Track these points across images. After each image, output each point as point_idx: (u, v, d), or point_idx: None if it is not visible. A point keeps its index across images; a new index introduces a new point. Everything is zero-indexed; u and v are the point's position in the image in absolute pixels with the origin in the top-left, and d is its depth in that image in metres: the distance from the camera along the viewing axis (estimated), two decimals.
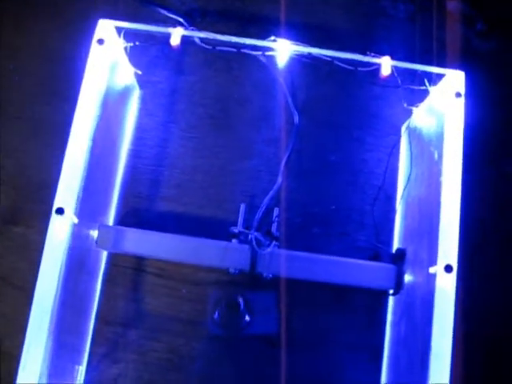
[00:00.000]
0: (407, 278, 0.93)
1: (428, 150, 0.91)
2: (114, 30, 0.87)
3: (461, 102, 0.84)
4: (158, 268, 1.03)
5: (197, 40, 0.88)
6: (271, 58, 0.92)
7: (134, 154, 1.08)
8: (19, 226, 1.04)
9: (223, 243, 0.94)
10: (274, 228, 0.97)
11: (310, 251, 0.96)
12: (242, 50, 0.89)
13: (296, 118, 1.07)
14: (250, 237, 0.93)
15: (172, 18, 1.12)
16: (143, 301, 1.01)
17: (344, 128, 1.11)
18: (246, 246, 0.94)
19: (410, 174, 1.00)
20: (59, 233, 0.77)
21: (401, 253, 0.96)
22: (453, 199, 0.80)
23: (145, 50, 1.10)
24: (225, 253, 0.94)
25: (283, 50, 0.88)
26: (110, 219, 1.04)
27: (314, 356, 1.01)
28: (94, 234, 0.94)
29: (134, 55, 0.97)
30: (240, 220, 0.98)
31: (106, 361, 0.98)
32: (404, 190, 1.02)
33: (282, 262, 0.94)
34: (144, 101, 1.11)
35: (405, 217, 1.02)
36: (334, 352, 1.01)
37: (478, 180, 1.07)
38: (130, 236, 0.95)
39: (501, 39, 1.19)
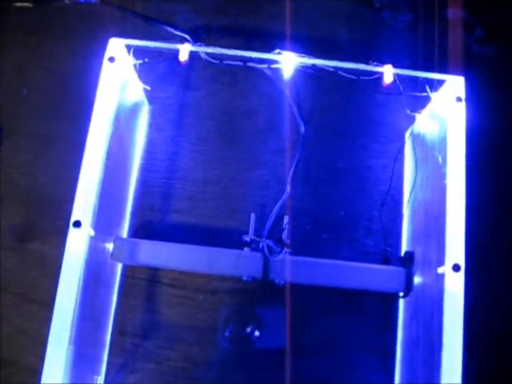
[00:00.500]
0: (416, 279, 0.95)
1: (432, 155, 0.93)
2: (124, 48, 0.90)
3: (462, 106, 0.87)
4: (172, 279, 1.05)
5: (204, 55, 0.91)
6: (276, 71, 0.94)
7: (146, 167, 1.11)
8: (34, 242, 1.07)
9: (236, 251, 0.96)
10: (284, 235, 0.99)
11: (320, 257, 0.98)
12: (248, 64, 0.91)
13: (302, 128, 1.09)
14: (261, 244, 0.95)
15: (178, 35, 1.15)
16: (158, 311, 1.03)
17: (349, 136, 1.13)
18: (258, 254, 0.96)
19: (415, 179, 1.02)
20: (77, 245, 0.79)
21: (409, 256, 0.98)
22: (458, 200, 0.82)
23: (153, 67, 1.13)
24: (237, 261, 0.96)
25: (288, 62, 0.90)
26: (124, 232, 1.06)
27: (326, 361, 1.02)
28: (110, 246, 0.96)
29: (142, 72, 1.00)
30: (251, 229, 1.00)
31: (123, 371, 1.00)
32: (410, 194, 1.04)
33: (294, 268, 0.96)
34: (153, 116, 1.14)
35: (412, 220, 1.04)
36: (346, 356, 1.02)
37: (481, 183, 1.09)
38: (144, 248, 0.97)
39: (500, 45, 1.21)
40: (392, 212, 1.08)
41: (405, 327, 1.01)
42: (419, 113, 1.01)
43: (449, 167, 0.84)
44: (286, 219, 1.01)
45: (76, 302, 0.78)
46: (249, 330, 1.01)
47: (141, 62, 0.94)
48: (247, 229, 1.01)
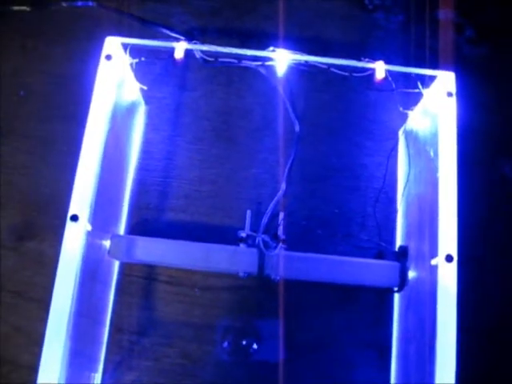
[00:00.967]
0: (411, 274, 0.96)
1: (424, 150, 0.95)
2: (121, 47, 0.91)
3: (453, 101, 0.88)
4: (168, 276, 1.06)
5: (199, 54, 0.93)
6: (271, 70, 0.96)
7: (142, 166, 1.12)
8: (32, 240, 1.08)
9: (232, 247, 0.97)
10: (279, 231, 1.00)
11: (315, 253, 0.99)
12: (243, 61, 0.93)
13: (297, 127, 1.10)
14: (257, 240, 0.96)
15: (174, 37, 1.17)
16: (155, 308, 1.04)
17: (343, 134, 1.15)
18: (254, 250, 0.97)
19: (408, 175, 1.04)
20: (74, 240, 0.80)
21: (403, 250, 0.99)
22: (450, 191, 0.83)
23: (149, 68, 1.15)
24: (233, 256, 0.96)
25: (282, 59, 0.92)
26: (121, 230, 1.07)
27: (322, 356, 1.03)
28: (107, 244, 0.97)
29: (139, 73, 1.02)
30: (247, 225, 1.01)
31: (120, 368, 1.01)
32: (404, 189, 1.06)
33: (289, 263, 0.96)
34: (150, 116, 1.15)
35: (406, 216, 1.05)
36: (342, 352, 1.03)
37: (473, 179, 1.10)
38: (141, 244, 0.98)
39: (491, 46, 1.24)
40: (386, 208, 1.10)
41: (400, 322, 1.02)
42: (412, 110, 1.03)
43: (440, 160, 0.85)
44: (281, 215, 1.02)
45: (73, 299, 0.78)
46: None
47: (137, 60, 0.96)
48: (243, 227, 1.01)
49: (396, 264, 0.97)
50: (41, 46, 1.21)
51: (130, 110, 1.08)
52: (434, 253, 0.83)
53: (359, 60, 0.92)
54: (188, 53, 0.93)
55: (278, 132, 1.14)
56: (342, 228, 1.09)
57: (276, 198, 1.05)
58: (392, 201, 1.10)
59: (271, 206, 1.03)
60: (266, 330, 1.03)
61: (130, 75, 1.01)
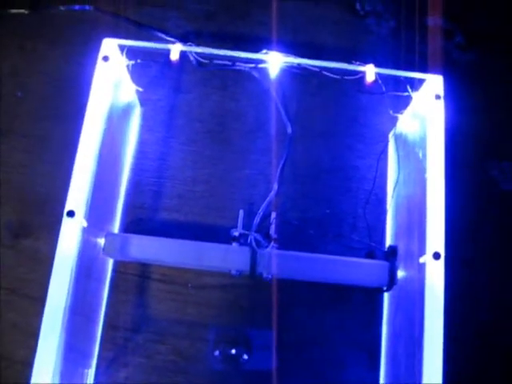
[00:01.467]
0: (400, 273, 0.98)
1: (413, 152, 0.97)
2: (117, 48, 0.94)
3: (441, 104, 0.90)
4: (161, 274, 1.07)
5: (194, 56, 0.95)
6: (264, 73, 0.99)
7: (137, 167, 1.14)
8: (28, 238, 1.09)
9: (224, 246, 0.99)
10: (271, 230, 1.01)
11: (306, 252, 1.00)
12: (237, 64, 0.95)
13: (289, 129, 1.12)
14: (249, 238, 0.98)
15: (169, 41, 1.19)
16: (149, 306, 1.06)
17: (335, 136, 1.17)
18: (246, 248, 0.98)
19: (398, 176, 1.06)
20: (70, 235, 0.82)
21: (393, 249, 1.01)
22: (437, 190, 0.85)
23: (145, 71, 1.17)
24: (226, 255, 0.98)
25: (274, 61, 0.94)
26: (115, 229, 1.08)
27: (313, 355, 1.05)
28: (101, 242, 0.98)
29: (135, 75, 1.05)
30: (239, 224, 1.02)
31: (114, 364, 1.02)
32: (393, 191, 1.08)
33: (281, 262, 0.98)
34: (145, 118, 1.17)
35: (395, 216, 1.07)
36: (333, 351, 1.05)
37: (462, 182, 1.12)
38: (135, 242, 0.99)
39: (479, 52, 1.27)
40: (376, 209, 1.12)
41: (389, 321, 1.04)
42: (401, 113, 1.06)
43: (428, 161, 0.87)
44: (273, 215, 1.04)
45: (68, 294, 0.80)
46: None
47: (133, 62, 0.98)
48: (235, 226, 1.03)
49: (385, 263, 0.99)
50: (39, 47, 1.23)
51: (126, 111, 1.09)
52: (422, 252, 0.85)
53: (350, 63, 0.95)
54: (183, 56, 0.95)
55: (270, 134, 1.16)
56: (333, 228, 1.11)
57: (268, 199, 1.07)
58: (382, 202, 1.12)
59: (263, 206, 1.05)
60: (256, 326, 1.04)
61: (126, 77, 1.03)
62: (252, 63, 0.95)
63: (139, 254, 1.00)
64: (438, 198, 0.85)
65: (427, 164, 0.87)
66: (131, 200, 1.12)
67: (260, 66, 0.95)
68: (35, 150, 1.15)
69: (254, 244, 0.98)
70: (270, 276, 0.98)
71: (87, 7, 1.21)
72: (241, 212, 1.04)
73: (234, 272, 0.99)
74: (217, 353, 1.03)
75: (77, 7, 1.22)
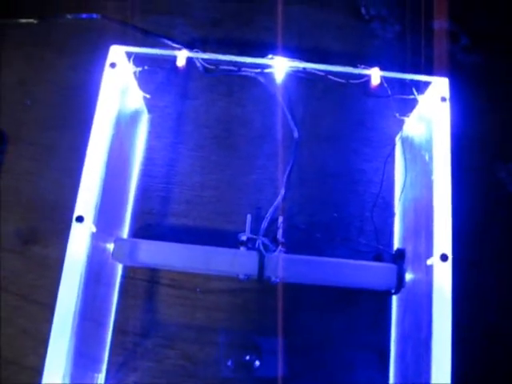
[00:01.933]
0: (408, 276, 0.98)
1: (420, 155, 0.97)
2: (125, 55, 0.95)
3: (446, 106, 0.91)
4: (170, 279, 1.08)
5: (200, 62, 0.96)
6: (270, 78, 0.99)
7: (145, 173, 1.15)
8: (37, 244, 1.10)
9: (232, 250, 0.99)
10: (279, 235, 1.02)
11: (314, 256, 1.01)
12: (243, 69, 0.96)
13: (295, 133, 1.13)
14: (257, 242, 0.99)
15: (175, 48, 1.20)
16: (158, 311, 1.06)
17: (341, 140, 1.18)
18: (254, 252, 0.99)
19: (405, 179, 1.06)
20: (79, 241, 0.82)
21: (400, 252, 1.01)
22: (444, 192, 0.85)
23: (152, 77, 1.18)
24: (234, 259, 0.98)
25: (280, 66, 0.95)
26: (125, 234, 1.09)
27: (322, 358, 1.05)
28: (110, 247, 0.99)
29: (142, 82, 1.05)
30: (247, 229, 1.03)
31: (123, 369, 1.02)
32: (401, 194, 1.08)
33: (288, 265, 0.98)
34: (153, 124, 1.18)
35: (403, 219, 1.07)
36: (342, 353, 1.05)
37: (470, 185, 1.12)
38: (144, 247, 1.00)
39: (485, 54, 1.27)
40: (383, 213, 1.12)
41: (398, 323, 1.03)
42: (407, 116, 1.06)
43: (435, 162, 0.87)
44: (280, 219, 1.05)
45: (77, 300, 0.80)
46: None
47: (140, 69, 0.99)
48: (243, 231, 1.03)
49: (393, 266, 0.99)
50: (47, 56, 1.24)
51: (134, 117, 1.10)
52: (429, 254, 0.85)
53: (356, 67, 0.95)
54: (189, 62, 0.96)
55: (276, 138, 1.16)
56: (341, 232, 1.11)
57: (275, 203, 1.07)
58: (389, 205, 1.12)
59: (271, 210, 1.06)
60: (265, 330, 1.05)
61: (133, 83, 1.04)
62: (258, 68, 0.96)
63: (148, 259, 1.01)
64: (445, 200, 0.85)
65: (434, 166, 0.87)
66: (140, 206, 1.12)
67: (266, 71, 0.96)
68: (43, 158, 1.16)
69: (261, 248, 0.98)
70: (277, 280, 0.99)
71: (94, 15, 1.23)
72: (248, 217, 1.05)
73: (242, 276, 0.99)
74: (229, 362, 1.03)
75: (84, 16, 1.23)
